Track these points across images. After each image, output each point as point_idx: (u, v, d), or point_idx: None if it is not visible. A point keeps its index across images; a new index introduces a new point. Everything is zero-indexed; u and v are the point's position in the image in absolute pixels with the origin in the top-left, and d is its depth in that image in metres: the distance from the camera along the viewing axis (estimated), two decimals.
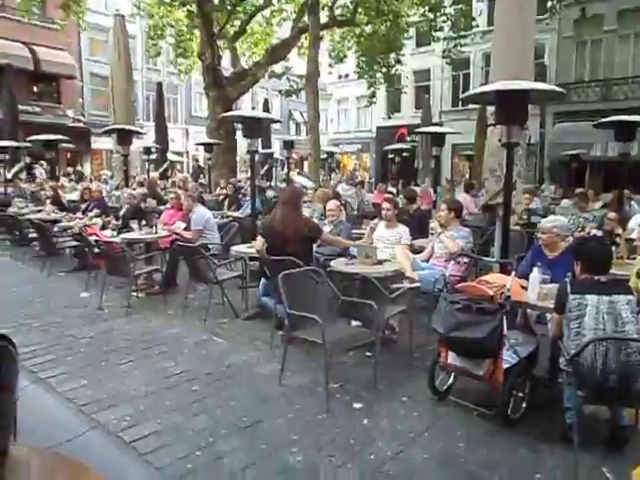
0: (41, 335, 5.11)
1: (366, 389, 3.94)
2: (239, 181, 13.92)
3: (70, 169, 19.25)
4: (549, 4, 15.60)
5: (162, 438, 3.22)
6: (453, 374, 3.79)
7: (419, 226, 6.85)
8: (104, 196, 10.13)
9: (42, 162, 16.17)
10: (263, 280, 5.32)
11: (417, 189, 12.45)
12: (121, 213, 8.46)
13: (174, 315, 5.83)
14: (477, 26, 18.55)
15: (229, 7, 16.49)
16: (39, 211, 9.65)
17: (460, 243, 5.30)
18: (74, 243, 8.03)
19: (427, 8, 16.37)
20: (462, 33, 17.14)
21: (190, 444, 3.15)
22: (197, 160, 22.58)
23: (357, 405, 3.69)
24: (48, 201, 9.90)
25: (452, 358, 3.55)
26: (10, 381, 0.88)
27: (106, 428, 3.33)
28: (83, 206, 9.31)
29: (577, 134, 17.89)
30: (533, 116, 15.80)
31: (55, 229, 8.29)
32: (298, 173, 18.89)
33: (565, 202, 10.66)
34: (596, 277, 3.09)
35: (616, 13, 19.14)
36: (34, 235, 8.83)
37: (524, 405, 3.46)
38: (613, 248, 4.71)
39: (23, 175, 14.41)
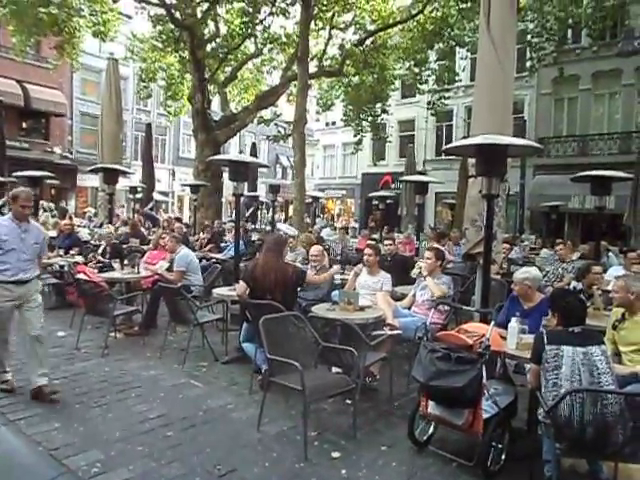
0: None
1: (345, 437, 3.88)
2: (224, 223, 13.95)
3: (52, 204, 19.08)
4: (529, 63, 16.37)
5: None
6: (433, 423, 3.76)
7: None
8: (78, 232, 10.16)
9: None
10: (245, 325, 5.28)
11: (400, 235, 12.64)
12: (99, 251, 8.50)
13: (152, 357, 5.72)
14: (460, 80, 19.35)
15: (221, 55, 17.01)
16: None
17: (444, 288, 5.41)
18: (53, 280, 7.92)
19: (413, 63, 17.06)
20: (446, 87, 17.88)
21: None
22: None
23: (335, 454, 3.62)
24: None
25: (432, 407, 3.54)
26: None
27: (76, 474, 3.22)
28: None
29: (556, 186, 18.40)
30: (513, 168, 16.24)
31: None
32: (284, 221, 19.10)
33: (545, 252, 10.89)
34: (570, 329, 3.14)
35: (590, 74, 20.11)
36: None
37: (503, 457, 3.44)
38: (589, 302, 4.81)
39: (5, 210, 14.29)
